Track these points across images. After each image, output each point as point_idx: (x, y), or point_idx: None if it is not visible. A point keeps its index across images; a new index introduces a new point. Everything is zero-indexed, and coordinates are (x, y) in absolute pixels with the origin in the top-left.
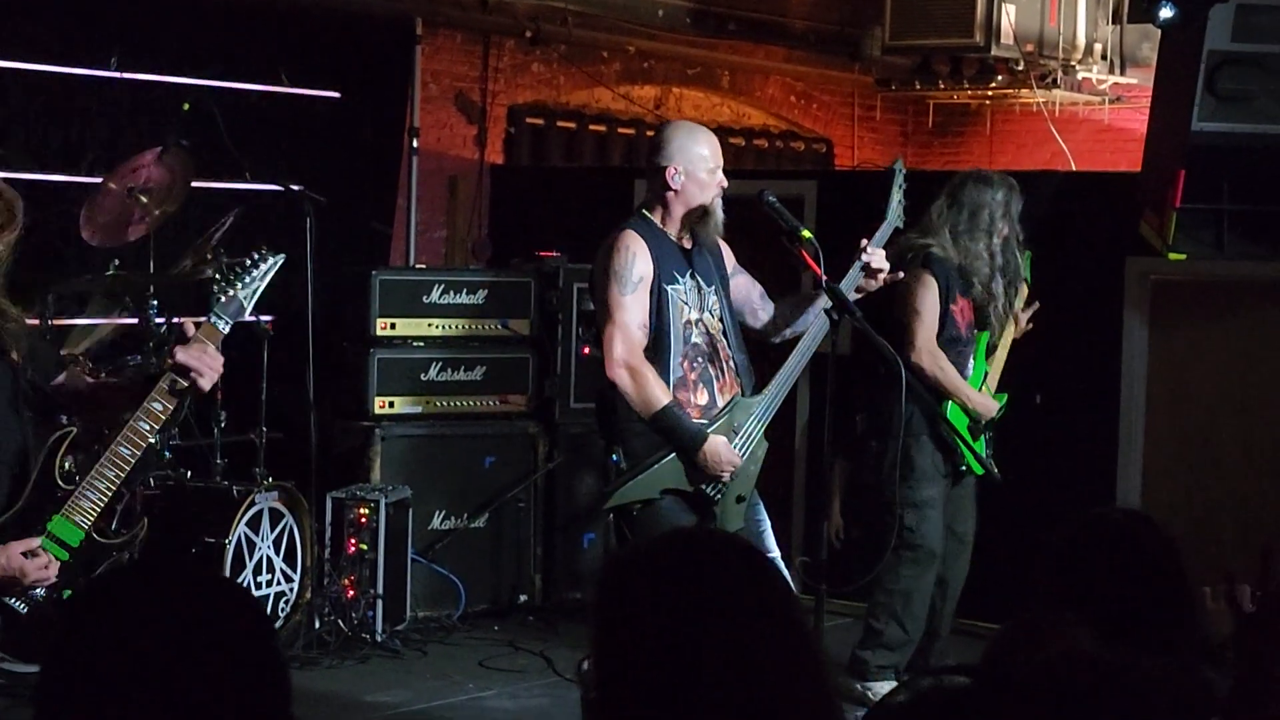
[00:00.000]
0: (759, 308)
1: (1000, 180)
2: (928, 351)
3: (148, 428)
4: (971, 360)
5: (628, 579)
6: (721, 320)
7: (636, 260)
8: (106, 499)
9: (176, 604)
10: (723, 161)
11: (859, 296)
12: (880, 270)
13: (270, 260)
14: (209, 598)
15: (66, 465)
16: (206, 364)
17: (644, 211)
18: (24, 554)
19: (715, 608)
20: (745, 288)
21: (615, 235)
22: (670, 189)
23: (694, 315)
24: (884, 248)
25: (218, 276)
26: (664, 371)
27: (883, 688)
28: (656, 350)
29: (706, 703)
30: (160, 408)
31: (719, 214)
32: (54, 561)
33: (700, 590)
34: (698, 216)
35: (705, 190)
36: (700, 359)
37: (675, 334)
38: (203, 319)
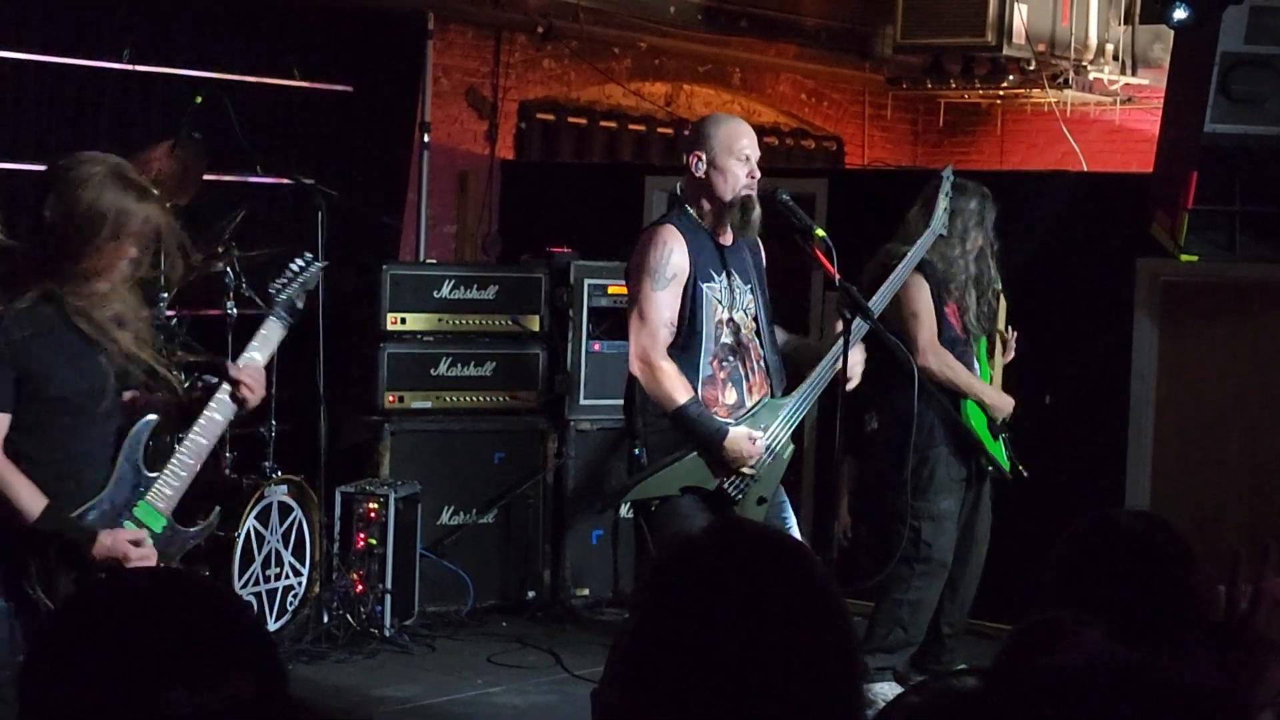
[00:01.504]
0: None
1: (974, 189)
2: (933, 352)
3: (221, 418)
4: (975, 364)
5: (679, 571)
6: (756, 319)
7: (673, 256)
8: (187, 486)
9: (166, 609)
10: (755, 154)
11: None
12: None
13: (317, 266)
14: (201, 601)
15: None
16: (258, 380)
17: (685, 206)
18: (130, 541)
19: (766, 604)
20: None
21: (654, 229)
22: (693, 176)
23: (726, 315)
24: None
25: (273, 285)
26: (693, 370)
27: (880, 689)
28: (687, 348)
29: (743, 692)
30: (230, 401)
31: (756, 210)
32: (154, 551)
33: (753, 585)
34: (735, 212)
35: (729, 178)
36: (731, 358)
37: (707, 333)
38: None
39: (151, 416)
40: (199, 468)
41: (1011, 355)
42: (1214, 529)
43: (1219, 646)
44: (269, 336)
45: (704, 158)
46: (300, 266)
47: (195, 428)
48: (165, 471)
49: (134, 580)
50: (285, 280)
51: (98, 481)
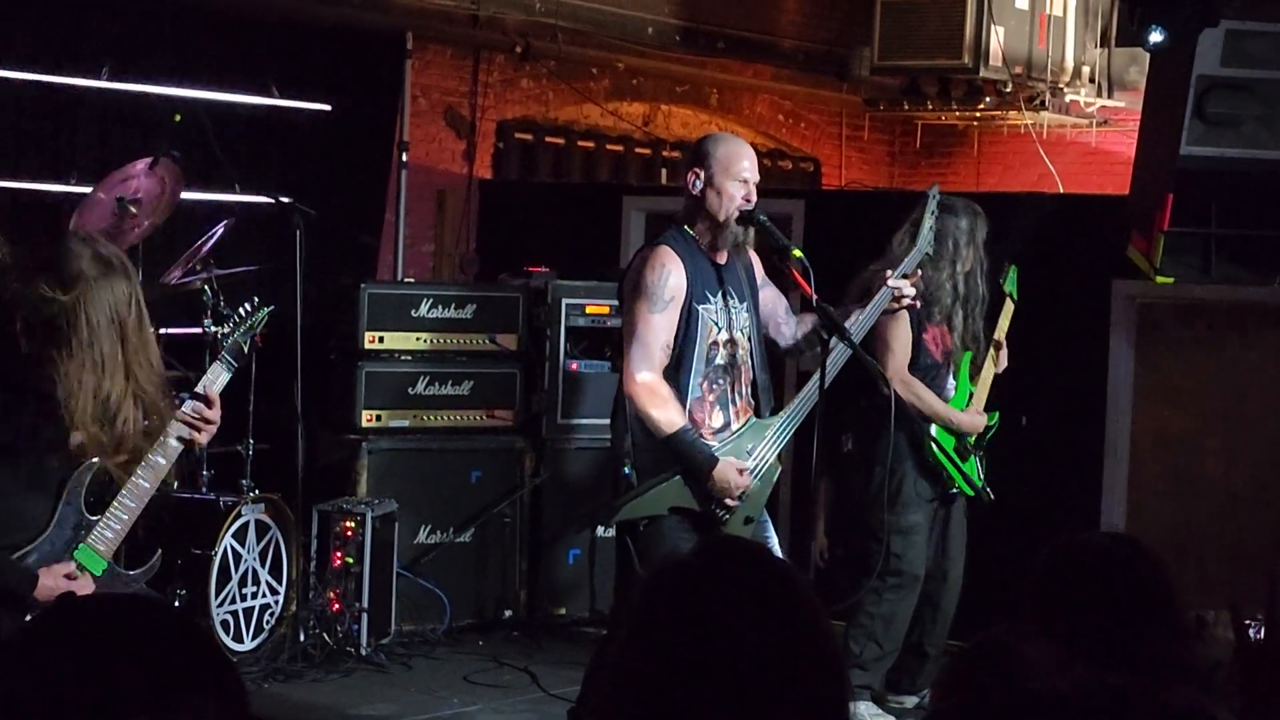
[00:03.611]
0: (782, 323)
1: (965, 207)
2: (900, 381)
3: (164, 461)
4: (952, 381)
5: (669, 590)
6: (750, 339)
7: (670, 277)
8: (127, 530)
9: (124, 636)
10: (754, 176)
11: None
12: (906, 298)
13: (264, 311)
14: (156, 628)
15: (91, 497)
16: (209, 416)
17: (681, 225)
18: (65, 576)
19: (755, 623)
20: (771, 301)
21: (651, 249)
22: (690, 194)
23: (723, 336)
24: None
25: (222, 330)
26: (682, 390)
27: (857, 708)
28: (678, 368)
29: (731, 710)
30: (175, 444)
31: (751, 229)
32: (91, 585)
33: (742, 604)
34: (729, 231)
35: (724, 198)
36: (721, 380)
37: (699, 354)
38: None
39: (94, 460)
40: (141, 509)
41: (1005, 364)
42: (1190, 549)
43: (1242, 672)
44: (214, 382)
45: (702, 176)
46: (248, 310)
47: (139, 471)
48: (107, 514)
49: (92, 607)
50: (233, 325)
51: (40, 518)
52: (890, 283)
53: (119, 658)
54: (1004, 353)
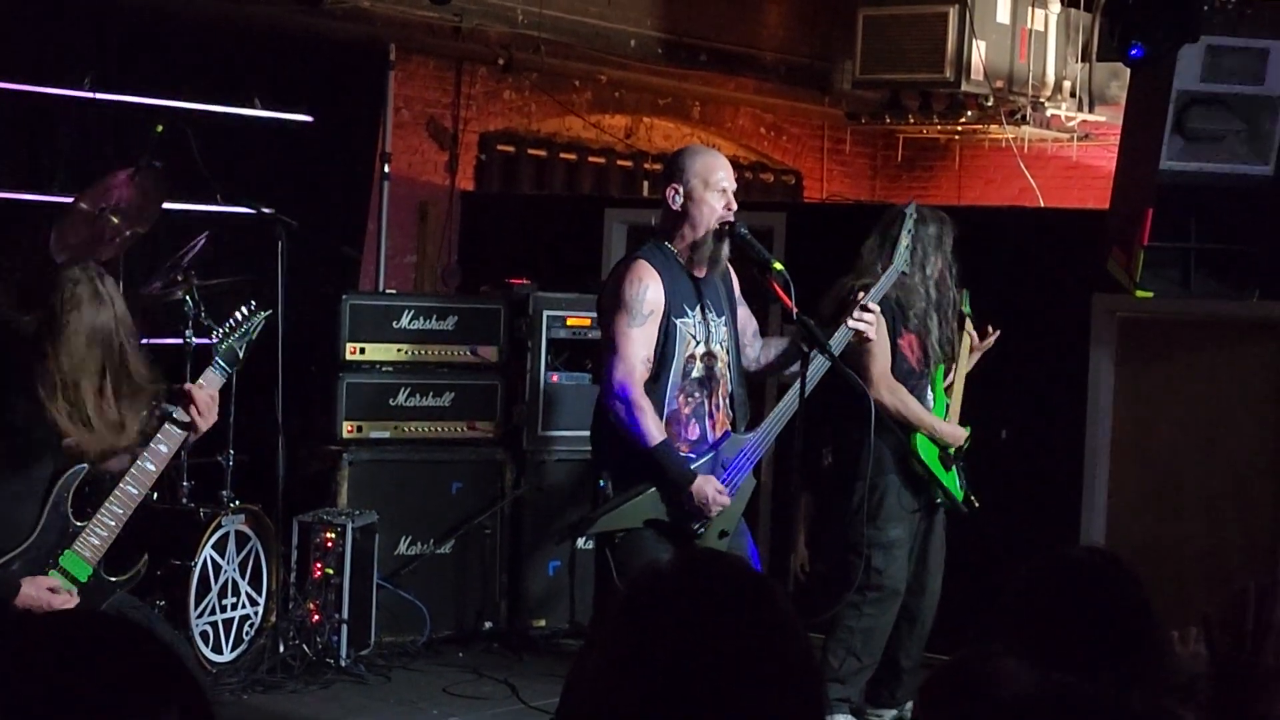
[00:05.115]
0: (748, 344)
1: (932, 215)
2: (886, 387)
3: (153, 468)
4: (930, 393)
5: (646, 603)
6: (729, 353)
7: (648, 291)
8: (114, 537)
9: (85, 650)
10: (731, 185)
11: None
12: (867, 334)
13: (261, 316)
14: (117, 643)
15: (76, 504)
16: (210, 407)
17: (658, 239)
18: (48, 589)
19: (733, 635)
20: (742, 321)
21: (628, 263)
22: (670, 209)
23: (700, 350)
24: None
25: (217, 333)
26: (659, 403)
27: None
28: (655, 382)
29: (705, 718)
30: (166, 450)
31: (725, 246)
32: (75, 598)
33: (720, 617)
34: (709, 244)
35: (705, 210)
36: (698, 393)
37: (677, 368)
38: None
39: (82, 465)
40: (128, 516)
41: (988, 343)
42: (1170, 565)
43: (1209, 692)
44: (208, 386)
45: (681, 190)
46: (244, 315)
47: (126, 477)
48: (94, 521)
49: (55, 625)
50: (228, 330)
51: (25, 524)
52: (863, 305)
53: (73, 678)
54: (978, 350)
